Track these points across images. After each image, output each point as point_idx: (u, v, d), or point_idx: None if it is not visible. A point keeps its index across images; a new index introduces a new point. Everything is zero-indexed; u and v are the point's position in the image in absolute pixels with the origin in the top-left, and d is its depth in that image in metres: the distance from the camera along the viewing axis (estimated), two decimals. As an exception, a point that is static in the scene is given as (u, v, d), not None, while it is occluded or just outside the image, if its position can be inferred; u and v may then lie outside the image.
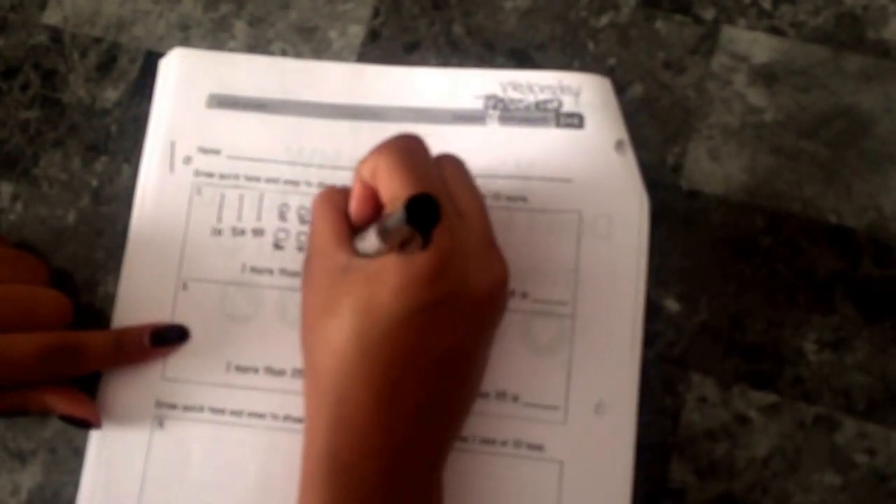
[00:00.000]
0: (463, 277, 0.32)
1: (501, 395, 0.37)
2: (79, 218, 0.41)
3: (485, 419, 0.37)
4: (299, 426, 0.37)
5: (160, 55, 0.42)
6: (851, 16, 0.41)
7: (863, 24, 0.41)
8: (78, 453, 0.38)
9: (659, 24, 0.41)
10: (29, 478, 0.38)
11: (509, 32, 0.42)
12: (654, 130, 0.40)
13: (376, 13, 0.43)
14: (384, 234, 0.31)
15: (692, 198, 0.39)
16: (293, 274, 0.39)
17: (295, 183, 0.40)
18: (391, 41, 0.42)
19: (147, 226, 0.40)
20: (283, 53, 0.42)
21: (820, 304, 0.38)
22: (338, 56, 0.42)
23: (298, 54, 0.42)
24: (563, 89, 0.40)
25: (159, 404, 0.38)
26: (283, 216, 0.40)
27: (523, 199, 0.39)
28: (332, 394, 0.32)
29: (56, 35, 0.43)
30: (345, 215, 0.35)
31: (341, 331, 0.32)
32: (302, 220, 0.40)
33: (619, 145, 0.39)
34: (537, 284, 0.38)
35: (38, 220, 0.41)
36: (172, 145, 0.41)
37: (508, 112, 0.40)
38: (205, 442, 0.37)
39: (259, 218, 0.40)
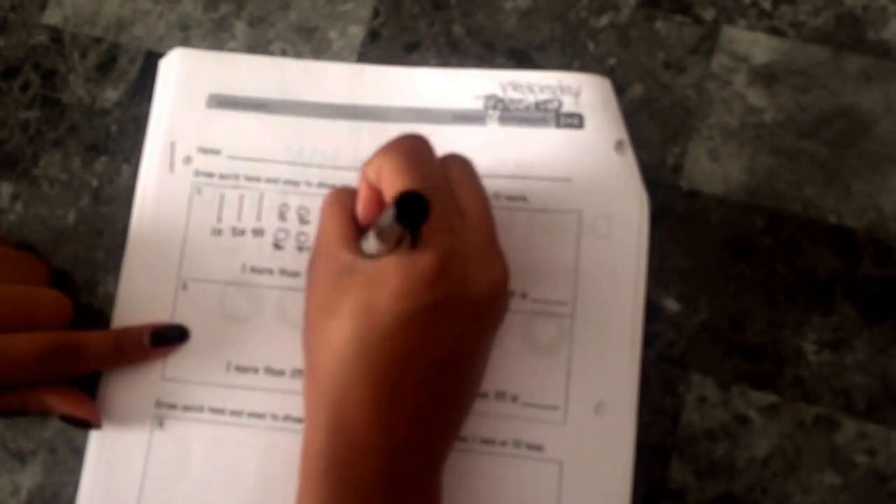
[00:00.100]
0: (463, 278, 0.32)
1: (501, 395, 0.37)
2: (79, 218, 0.41)
3: (484, 419, 0.37)
4: (299, 426, 0.37)
5: (160, 55, 0.42)
6: (851, 16, 0.41)
7: (863, 24, 0.41)
8: (78, 453, 0.38)
9: (659, 25, 0.41)
10: (29, 478, 0.38)
11: (509, 32, 0.42)
12: (654, 130, 0.40)
13: (376, 13, 0.43)
14: (380, 233, 0.31)
15: (692, 198, 0.39)
16: (293, 274, 0.39)
17: (295, 183, 0.40)
18: (391, 41, 0.42)
19: (147, 226, 0.40)
20: (283, 53, 0.42)
21: (820, 305, 0.38)
22: (338, 56, 0.42)
23: (298, 54, 0.42)
24: (562, 89, 0.40)
25: (159, 404, 0.38)
26: (283, 216, 0.40)
27: (523, 199, 0.39)
28: (332, 394, 0.32)
29: (56, 35, 0.43)
30: (352, 216, 0.35)
31: (342, 331, 0.32)
32: (302, 221, 0.40)
33: (618, 145, 0.39)
34: (537, 284, 0.38)
35: (38, 220, 0.41)
36: (172, 145, 0.41)
37: (508, 112, 0.40)
38: (205, 442, 0.37)
39: (259, 218, 0.40)
